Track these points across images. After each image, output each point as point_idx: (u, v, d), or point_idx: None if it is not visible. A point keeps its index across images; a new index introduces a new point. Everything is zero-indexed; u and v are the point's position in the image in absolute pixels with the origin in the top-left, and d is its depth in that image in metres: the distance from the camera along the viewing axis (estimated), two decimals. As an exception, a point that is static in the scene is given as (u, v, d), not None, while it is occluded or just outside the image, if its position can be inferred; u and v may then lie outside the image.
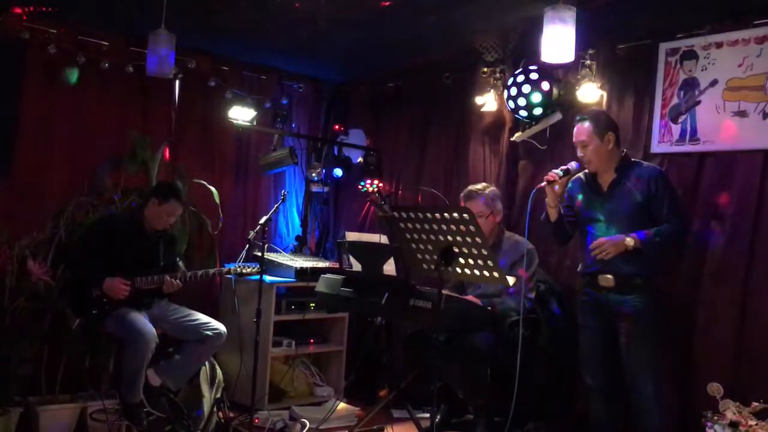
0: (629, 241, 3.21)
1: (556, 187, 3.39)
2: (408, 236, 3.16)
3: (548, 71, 4.12)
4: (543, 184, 3.38)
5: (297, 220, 5.66)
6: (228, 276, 4.18)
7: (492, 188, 4.06)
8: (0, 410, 3.75)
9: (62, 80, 4.38)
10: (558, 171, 3.38)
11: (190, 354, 3.92)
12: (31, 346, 3.92)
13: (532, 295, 3.79)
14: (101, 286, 3.76)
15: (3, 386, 3.81)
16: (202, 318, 3.97)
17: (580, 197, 3.52)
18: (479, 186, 4.03)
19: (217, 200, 4.66)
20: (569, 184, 3.55)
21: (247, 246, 4.15)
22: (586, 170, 3.50)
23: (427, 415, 4.10)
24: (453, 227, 2.92)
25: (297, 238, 5.48)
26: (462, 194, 4.03)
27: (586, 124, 3.39)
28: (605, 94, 4.02)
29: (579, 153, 3.41)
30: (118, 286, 3.77)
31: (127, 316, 3.75)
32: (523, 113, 4.20)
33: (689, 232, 3.48)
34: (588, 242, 3.45)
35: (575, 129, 3.44)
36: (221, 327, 3.96)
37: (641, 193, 3.32)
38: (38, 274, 3.85)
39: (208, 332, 3.90)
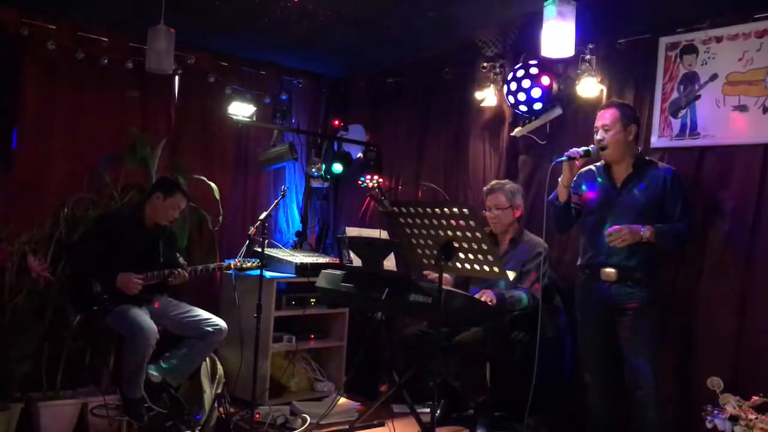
0: (645, 232, 3.22)
1: (576, 162, 3.37)
2: (408, 231, 3.16)
3: (548, 66, 4.11)
4: (563, 158, 3.36)
5: (297, 216, 5.66)
6: (228, 271, 4.17)
7: (513, 184, 4.08)
8: (1, 406, 3.76)
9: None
10: (579, 150, 3.35)
11: (190, 350, 3.93)
12: (31, 343, 3.92)
13: (538, 294, 3.80)
14: (113, 282, 3.75)
15: (4, 382, 3.81)
16: (203, 314, 3.97)
17: (584, 188, 3.52)
18: (503, 181, 4.08)
19: (217, 196, 4.66)
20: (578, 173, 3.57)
21: (248, 242, 4.15)
22: (597, 164, 3.50)
23: (428, 410, 4.11)
24: (453, 222, 2.92)
25: (297, 233, 5.48)
26: (485, 188, 4.05)
27: (613, 109, 3.41)
28: (605, 89, 4.01)
29: (598, 136, 3.40)
30: (132, 281, 3.76)
31: (128, 312, 3.75)
32: (523, 108, 4.19)
33: (697, 231, 3.49)
34: (591, 234, 3.45)
35: (600, 112, 3.44)
36: (221, 323, 3.96)
37: (654, 193, 3.33)
38: (38, 271, 3.85)
39: (208, 328, 3.90)
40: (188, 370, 4.00)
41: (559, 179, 3.45)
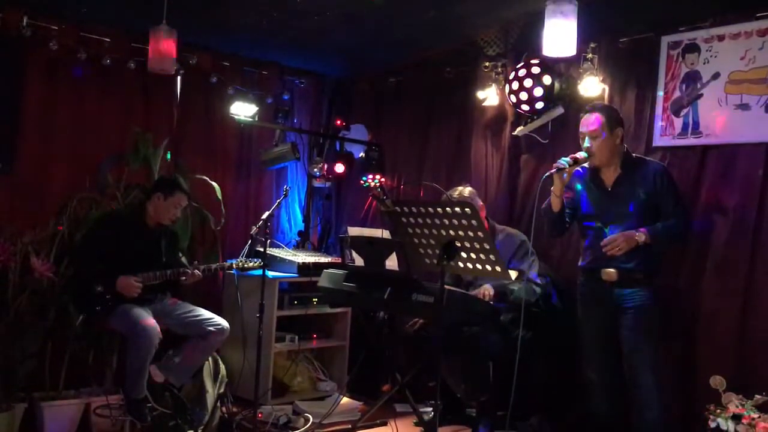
0: (640, 236, 3.23)
1: (565, 175, 3.36)
2: (410, 231, 3.16)
3: (550, 65, 4.12)
4: (552, 171, 3.34)
5: (299, 216, 5.67)
6: (230, 271, 4.18)
7: (467, 189, 4.05)
8: (4, 406, 3.76)
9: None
10: (568, 159, 3.34)
11: (192, 350, 3.93)
12: (34, 342, 3.92)
13: (540, 281, 3.80)
14: (114, 285, 3.76)
15: (7, 382, 3.81)
16: (205, 314, 3.97)
17: (579, 187, 3.52)
18: (455, 193, 4.02)
19: (220, 196, 4.66)
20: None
21: (250, 241, 4.15)
22: (586, 165, 3.50)
23: (429, 409, 4.11)
24: (455, 222, 2.93)
25: (299, 233, 5.49)
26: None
27: (598, 115, 3.38)
28: (607, 88, 4.01)
29: (586, 144, 3.38)
30: (132, 285, 3.77)
31: (131, 312, 3.75)
32: (525, 107, 4.20)
33: (692, 225, 3.49)
34: (590, 238, 3.46)
35: (584, 118, 3.42)
36: (224, 323, 3.96)
37: (645, 191, 3.33)
38: (41, 271, 3.85)
39: (210, 328, 3.90)
40: (191, 370, 4.00)
41: (552, 188, 3.44)
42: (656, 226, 3.27)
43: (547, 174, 3.36)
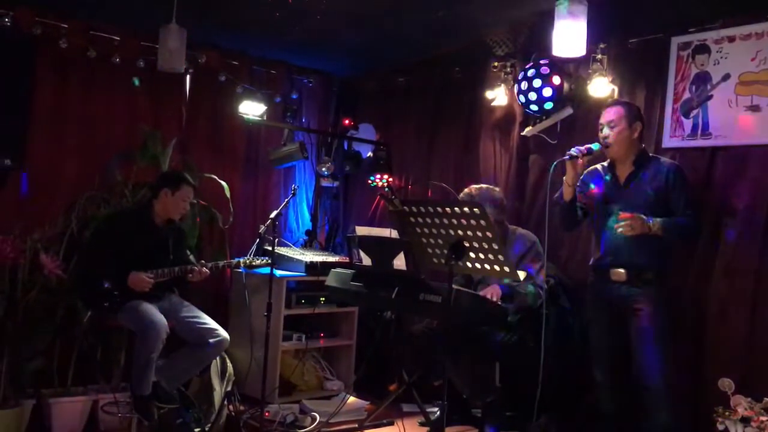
0: (654, 224, 3.20)
1: (579, 161, 3.36)
2: (418, 230, 3.16)
3: (559, 65, 4.11)
4: (566, 157, 3.35)
5: (307, 215, 5.67)
6: (238, 270, 4.18)
7: (482, 190, 3.98)
8: (13, 402, 3.78)
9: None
10: (582, 148, 3.35)
11: (187, 358, 3.90)
12: (43, 339, 3.94)
13: (545, 285, 3.79)
14: (124, 279, 3.76)
15: (16, 379, 3.83)
16: (209, 323, 3.93)
17: (592, 186, 3.51)
18: (473, 190, 3.98)
19: (228, 194, 4.67)
20: (584, 172, 3.56)
21: (258, 240, 4.16)
22: (604, 163, 3.49)
23: (436, 409, 4.11)
24: (463, 221, 2.92)
25: (307, 232, 5.49)
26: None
27: (619, 107, 3.40)
28: (616, 89, 4.00)
29: (603, 133, 3.38)
30: (144, 280, 3.78)
31: (139, 307, 3.75)
32: (534, 108, 4.19)
33: (703, 226, 3.48)
34: (602, 234, 3.44)
35: (606, 110, 3.43)
36: (224, 335, 3.91)
37: (658, 188, 3.31)
38: (50, 268, 3.87)
39: (210, 340, 3.86)
40: (182, 378, 3.96)
41: (564, 178, 3.44)
42: (668, 219, 3.25)
43: (558, 161, 3.36)
